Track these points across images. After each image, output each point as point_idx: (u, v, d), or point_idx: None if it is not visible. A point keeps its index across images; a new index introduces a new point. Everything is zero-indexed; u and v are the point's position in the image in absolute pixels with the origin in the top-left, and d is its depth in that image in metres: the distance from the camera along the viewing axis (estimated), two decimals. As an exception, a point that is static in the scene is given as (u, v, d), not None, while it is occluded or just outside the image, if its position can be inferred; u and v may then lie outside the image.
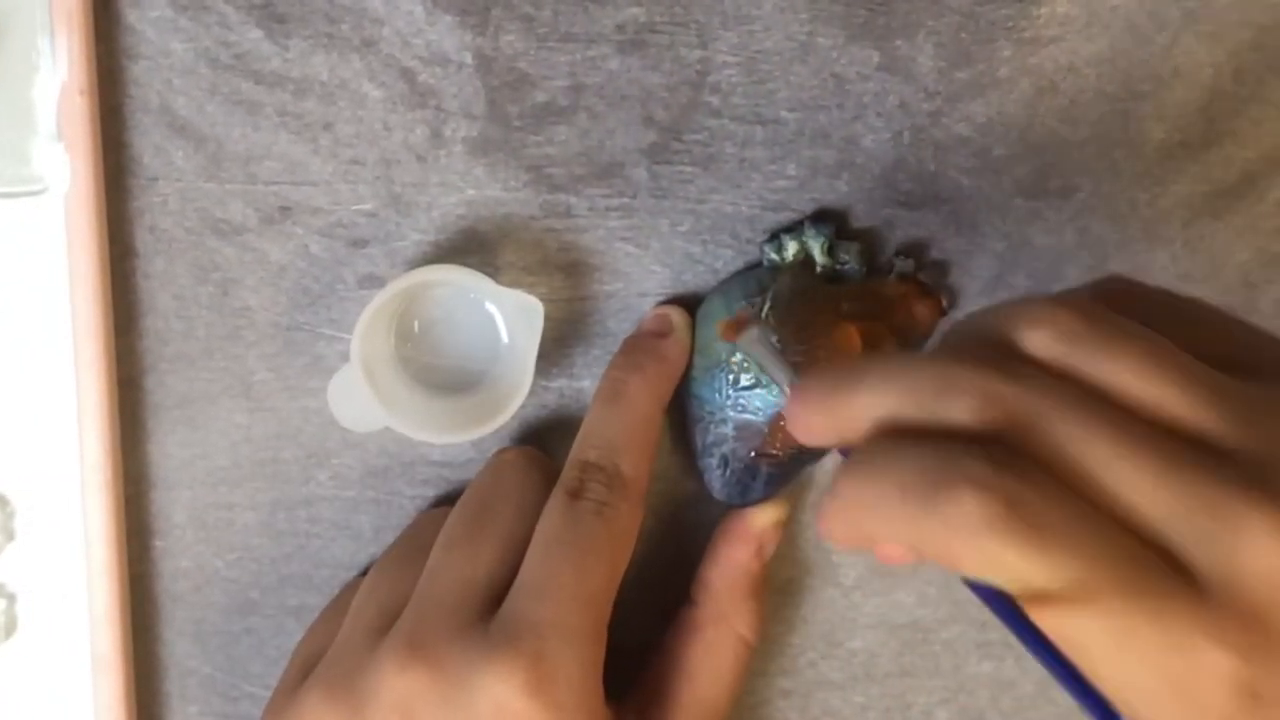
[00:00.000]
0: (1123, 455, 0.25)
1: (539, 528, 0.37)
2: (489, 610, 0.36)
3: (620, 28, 0.41)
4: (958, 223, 0.42)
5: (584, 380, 0.43)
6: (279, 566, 0.43)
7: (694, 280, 0.42)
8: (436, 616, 0.36)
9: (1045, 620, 0.25)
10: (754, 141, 0.42)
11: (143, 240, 0.42)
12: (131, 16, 0.41)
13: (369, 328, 0.39)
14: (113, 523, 0.41)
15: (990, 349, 0.28)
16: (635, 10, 0.41)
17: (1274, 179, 0.42)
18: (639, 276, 0.42)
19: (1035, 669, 0.43)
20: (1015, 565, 0.25)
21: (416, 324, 0.42)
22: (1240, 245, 0.42)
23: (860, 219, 0.42)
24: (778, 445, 0.40)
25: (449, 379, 0.42)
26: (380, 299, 0.39)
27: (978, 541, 0.24)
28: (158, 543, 0.43)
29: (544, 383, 0.43)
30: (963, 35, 0.41)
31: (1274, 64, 0.42)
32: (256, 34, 0.41)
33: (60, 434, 0.41)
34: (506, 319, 0.41)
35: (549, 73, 0.41)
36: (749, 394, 0.40)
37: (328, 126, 0.41)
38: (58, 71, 0.40)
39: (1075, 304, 0.28)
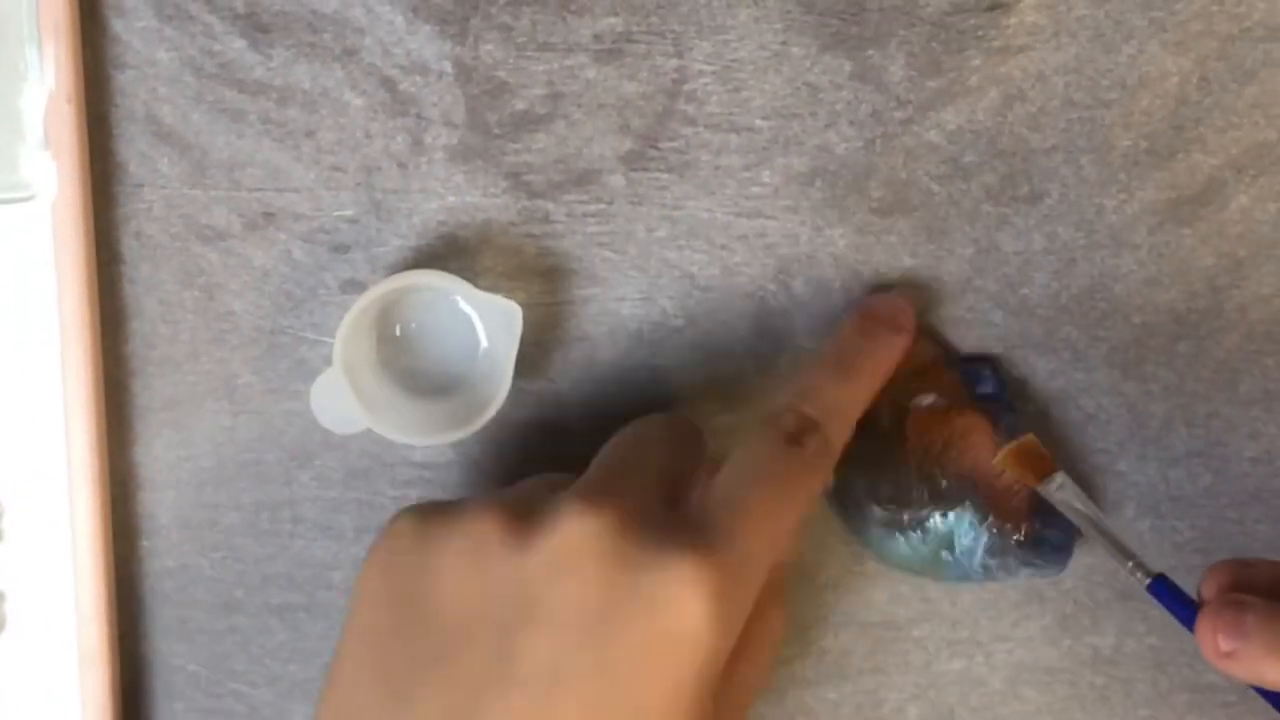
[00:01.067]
0: None
1: (744, 448, 0.36)
2: (679, 504, 0.35)
3: (598, 37, 0.42)
4: (928, 228, 0.43)
5: (562, 383, 0.43)
6: (262, 566, 0.44)
7: (670, 285, 0.43)
8: (628, 478, 0.35)
9: None
10: (729, 149, 0.43)
11: (129, 246, 0.42)
12: (117, 26, 0.42)
13: (351, 332, 0.40)
14: (100, 523, 0.42)
15: None
16: (612, 20, 0.42)
17: (1238, 185, 0.43)
18: (616, 281, 0.43)
19: (1004, 666, 0.44)
20: None
21: (398, 328, 0.43)
22: (1205, 250, 0.43)
23: (834, 225, 0.43)
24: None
25: (429, 382, 0.43)
26: (361, 303, 0.40)
27: None
28: (144, 542, 0.44)
29: (523, 385, 0.43)
30: (933, 45, 0.42)
31: (1238, 72, 0.42)
32: (240, 43, 0.42)
33: (48, 436, 0.42)
34: (486, 323, 0.42)
35: (527, 81, 0.42)
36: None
37: (310, 134, 0.42)
38: (45, 80, 0.41)
39: None
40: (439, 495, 0.43)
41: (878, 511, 0.42)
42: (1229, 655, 0.34)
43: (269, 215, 0.42)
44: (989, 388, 0.42)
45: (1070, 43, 0.42)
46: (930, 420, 0.42)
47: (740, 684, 0.36)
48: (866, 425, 0.40)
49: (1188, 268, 0.43)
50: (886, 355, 0.41)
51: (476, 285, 0.40)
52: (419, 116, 0.42)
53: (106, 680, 0.43)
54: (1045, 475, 0.40)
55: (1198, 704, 0.44)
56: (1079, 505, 0.39)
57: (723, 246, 0.43)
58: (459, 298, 0.42)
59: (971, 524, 0.41)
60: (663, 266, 0.43)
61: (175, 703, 0.44)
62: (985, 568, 0.41)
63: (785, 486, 0.36)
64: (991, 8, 0.42)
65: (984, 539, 0.41)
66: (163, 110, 0.42)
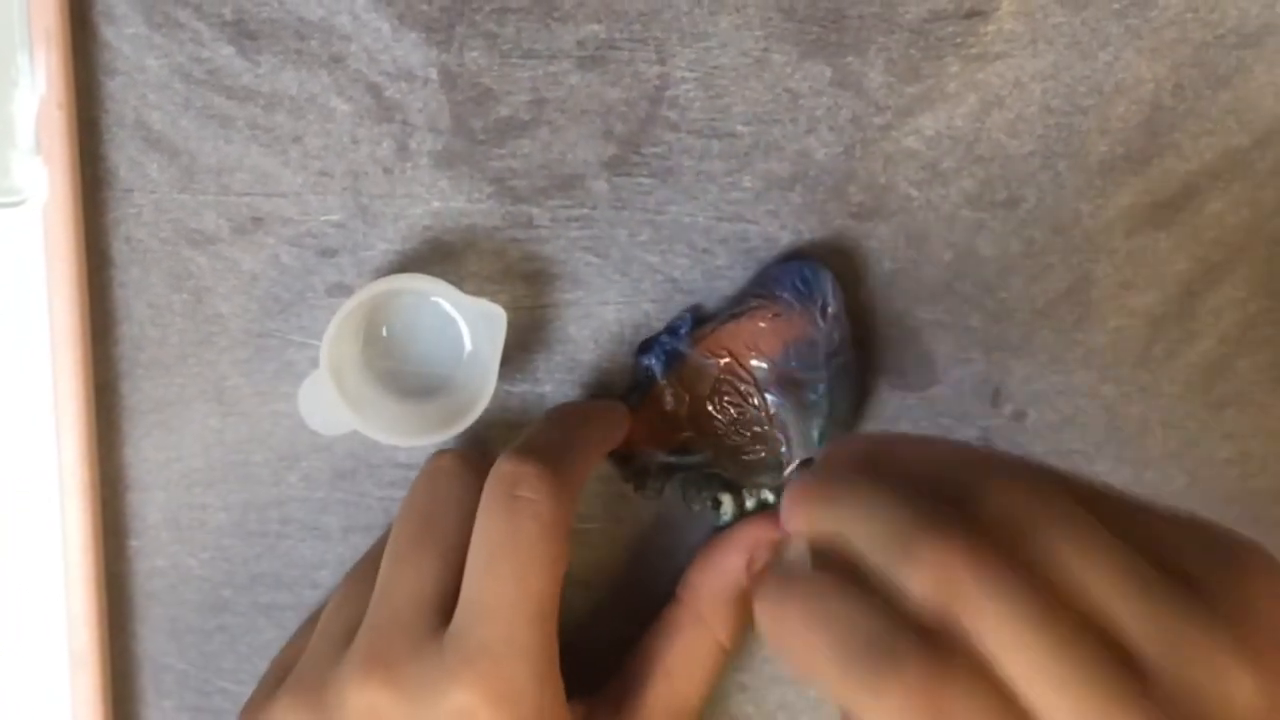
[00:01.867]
0: (1051, 662, 0.26)
1: (476, 532, 0.37)
2: (443, 619, 0.37)
3: (581, 44, 0.43)
4: (907, 233, 0.43)
5: (546, 386, 0.44)
6: (250, 565, 0.44)
7: (652, 289, 0.44)
8: (392, 631, 0.37)
9: None
10: (710, 154, 0.43)
11: (118, 250, 0.43)
12: (108, 33, 0.42)
13: (338, 334, 0.40)
14: (89, 523, 0.43)
15: (951, 498, 0.29)
16: (595, 27, 0.42)
17: (1213, 191, 0.43)
18: (599, 285, 0.44)
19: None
20: None
21: (384, 330, 0.43)
22: (1180, 255, 0.44)
23: (814, 229, 0.43)
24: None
25: (415, 384, 0.43)
26: (348, 306, 0.40)
27: None
28: (133, 543, 0.44)
29: (507, 388, 0.44)
30: (912, 51, 0.43)
31: (1212, 79, 0.43)
32: (228, 50, 0.42)
33: (39, 437, 0.43)
34: (470, 326, 0.43)
35: (511, 88, 0.43)
36: None
37: (297, 139, 0.43)
38: (36, 87, 0.41)
39: (1026, 472, 0.30)
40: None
41: (732, 502, 0.43)
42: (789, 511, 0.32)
43: (257, 220, 0.43)
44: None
45: (1047, 50, 0.43)
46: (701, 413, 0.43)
47: (667, 702, 0.40)
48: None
49: (1163, 272, 0.44)
50: (608, 414, 0.42)
51: (461, 289, 0.41)
52: (405, 122, 0.43)
53: (96, 680, 0.43)
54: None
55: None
56: (792, 430, 0.40)
57: (705, 250, 0.44)
58: (444, 301, 0.43)
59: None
60: (645, 270, 0.44)
61: (164, 701, 0.45)
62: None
63: (518, 554, 0.36)
64: (970, 15, 0.43)
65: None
66: (152, 116, 0.42)
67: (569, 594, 0.43)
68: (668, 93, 0.43)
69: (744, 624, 0.42)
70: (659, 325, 0.44)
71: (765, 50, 0.43)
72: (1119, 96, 0.43)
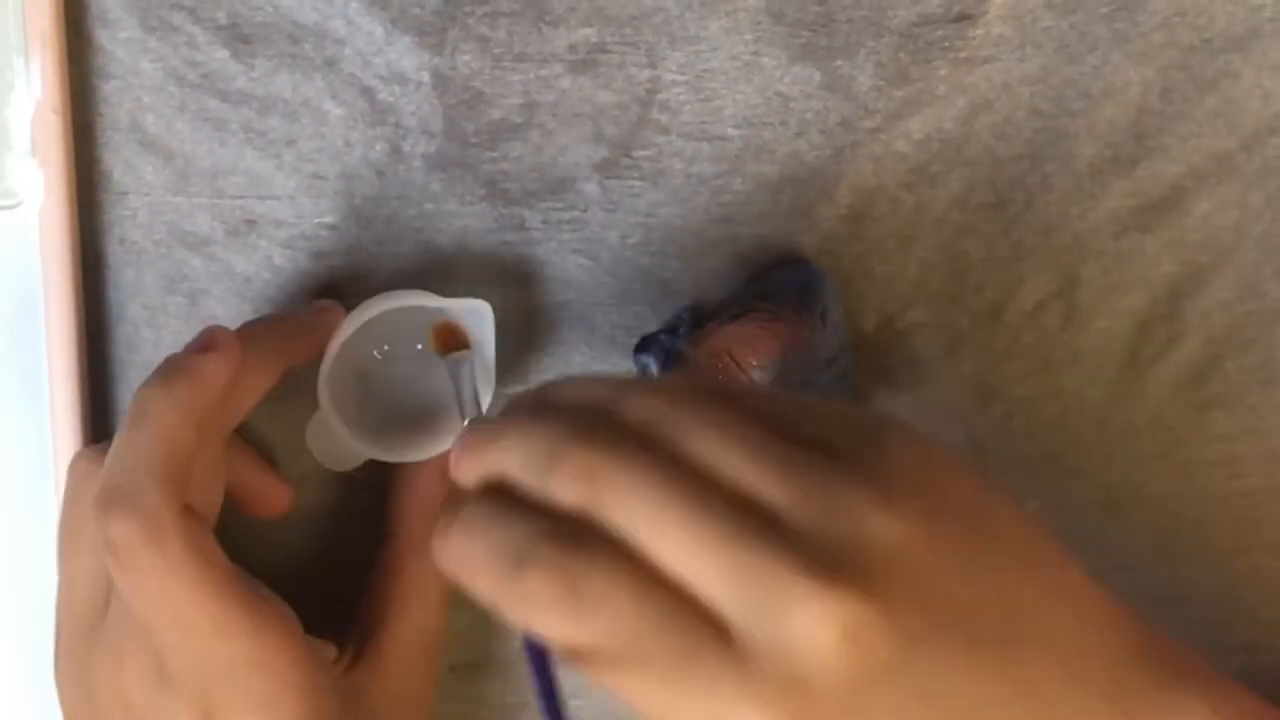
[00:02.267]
0: (684, 528, 0.28)
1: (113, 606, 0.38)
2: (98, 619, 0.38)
3: (572, 48, 0.43)
4: (896, 235, 0.44)
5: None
6: (251, 568, 0.45)
7: (643, 291, 0.44)
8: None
9: (605, 679, 0.28)
10: (701, 157, 0.43)
11: (113, 252, 0.43)
12: (102, 37, 0.42)
13: (332, 371, 0.40)
14: (84, 523, 0.43)
15: (597, 414, 0.30)
16: (587, 31, 0.43)
17: (1200, 193, 0.44)
18: (591, 287, 0.44)
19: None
20: (571, 635, 0.28)
21: (376, 352, 0.43)
22: (1168, 257, 0.44)
23: (804, 232, 0.44)
24: None
25: (415, 395, 0.43)
26: (337, 342, 0.40)
27: (542, 615, 0.28)
28: (128, 542, 0.44)
29: (500, 390, 0.44)
30: (901, 55, 0.43)
31: (1199, 82, 0.43)
32: (223, 54, 0.43)
33: (34, 439, 0.43)
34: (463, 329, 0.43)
35: (504, 91, 0.43)
36: None
37: (291, 143, 0.43)
38: (32, 90, 0.42)
39: (670, 384, 0.32)
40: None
41: None
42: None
43: (251, 222, 0.43)
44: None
45: (1035, 53, 0.43)
46: None
47: (408, 634, 0.42)
48: None
49: (1150, 274, 0.44)
50: (183, 383, 0.37)
51: (453, 291, 0.41)
52: (398, 125, 0.43)
53: (91, 677, 0.43)
54: (455, 350, 0.41)
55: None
56: (464, 387, 0.40)
57: (695, 253, 0.44)
58: (431, 310, 0.42)
59: None
60: (636, 272, 0.44)
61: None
62: None
63: (141, 613, 0.36)
64: (958, 19, 0.43)
65: None
66: (147, 119, 0.43)
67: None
68: (658, 96, 0.43)
69: None
70: (651, 328, 0.44)
71: (755, 54, 0.43)
72: (1107, 100, 0.43)
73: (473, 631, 0.45)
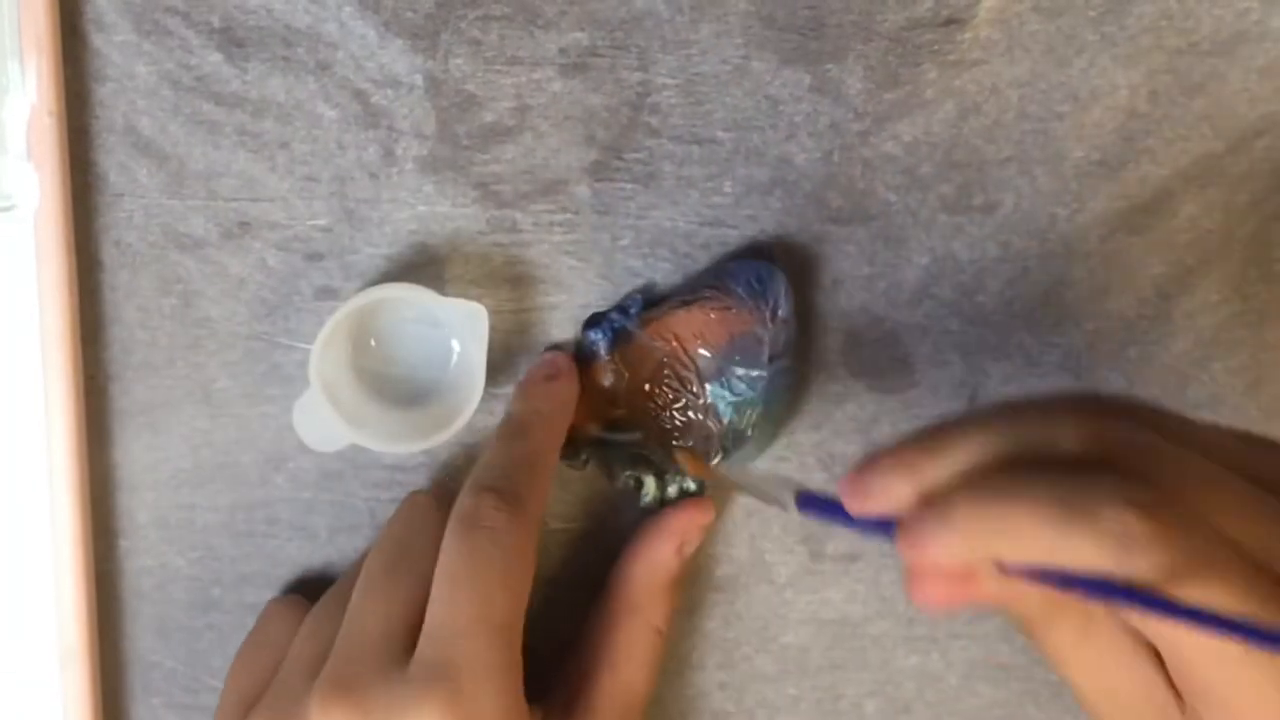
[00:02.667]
0: (1220, 490, 0.29)
1: (440, 561, 0.38)
2: (409, 649, 0.37)
3: (563, 51, 0.43)
4: (885, 237, 0.44)
5: (529, 387, 0.45)
6: (238, 565, 0.45)
7: (634, 292, 0.44)
8: (359, 658, 0.37)
9: (1188, 594, 0.28)
10: (691, 160, 0.44)
11: (108, 254, 0.44)
12: (97, 41, 0.43)
13: (325, 350, 0.41)
14: (79, 523, 0.43)
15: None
16: (578, 35, 0.43)
17: (1187, 195, 0.44)
18: (582, 289, 0.44)
19: (959, 663, 0.45)
20: (1160, 560, 0.28)
21: (371, 341, 0.44)
22: (1155, 259, 0.44)
23: (794, 234, 0.44)
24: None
25: (406, 391, 0.44)
26: (332, 323, 0.40)
27: (1129, 550, 0.28)
28: (122, 542, 0.45)
29: (493, 390, 0.44)
30: (890, 59, 0.43)
31: (1186, 85, 0.44)
32: (216, 57, 0.43)
33: (29, 438, 0.43)
34: (455, 329, 0.43)
35: (496, 94, 0.43)
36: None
37: (284, 145, 0.43)
38: (27, 94, 0.42)
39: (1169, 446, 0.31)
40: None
41: (655, 484, 0.44)
42: (858, 493, 0.32)
43: (245, 224, 0.44)
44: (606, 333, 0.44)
45: (1024, 57, 0.43)
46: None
47: (615, 693, 0.41)
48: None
49: (1137, 275, 0.44)
50: (548, 404, 0.43)
51: (445, 293, 0.42)
52: (390, 128, 0.43)
53: (86, 676, 0.44)
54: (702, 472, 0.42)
55: (1148, 700, 0.45)
56: (737, 477, 0.39)
57: (686, 255, 0.44)
58: (427, 306, 0.43)
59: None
60: (627, 274, 0.44)
61: (153, 698, 0.45)
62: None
63: (479, 577, 0.37)
64: (947, 23, 0.43)
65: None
66: (141, 122, 0.43)
67: (549, 595, 0.44)
68: (649, 99, 0.43)
69: (675, 608, 0.43)
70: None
71: (745, 58, 0.43)
72: (1094, 103, 0.44)
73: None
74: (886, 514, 0.31)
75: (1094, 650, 0.32)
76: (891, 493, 0.31)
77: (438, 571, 0.38)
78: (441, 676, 0.36)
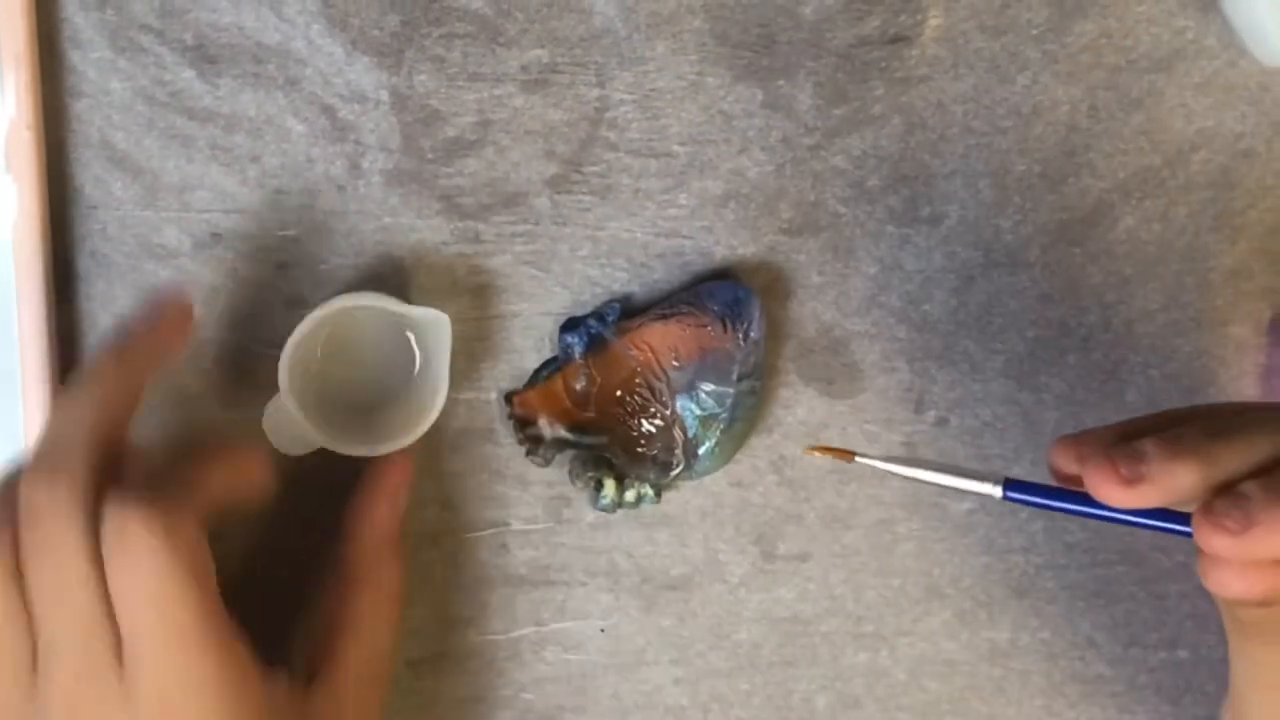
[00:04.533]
0: None
1: (113, 591, 0.36)
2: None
3: (524, 68, 0.45)
4: (835, 248, 0.46)
5: (491, 393, 0.46)
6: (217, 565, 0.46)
7: (592, 300, 0.46)
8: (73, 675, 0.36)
9: None
10: (648, 173, 0.45)
11: (84, 264, 0.45)
12: (74, 58, 0.44)
13: (294, 357, 0.42)
14: (57, 524, 0.45)
15: None
16: (538, 52, 0.45)
17: (1126, 207, 0.46)
18: (542, 297, 0.46)
19: (906, 659, 0.47)
20: None
21: (339, 347, 0.45)
22: (1095, 268, 0.46)
23: (747, 244, 0.46)
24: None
25: (372, 396, 0.45)
26: (300, 331, 0.42)
27: None
28: (99, 542, 0.46)
29: (455, 395, 0.46)
30: (839, 75, 0.45)
31: (1125, 101, 0.45)
32: (189, 74, 0.44)
33: (8, 445, 0.45)
34: (419, 336, 0.45)
35: (459, 110, 0.45)
36: None
37: (255, 159, 0.45)
38: (5, 108, 0.43)
39: None
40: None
41: (614, 488, 0.46)
42: (1134, 480, 0.31)
43: (217, 235, 0.45)
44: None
45: (968, 73, 0.45)
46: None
47: (364, 659, 0.42)
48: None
49: (1078, 284, 0.46)
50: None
51: (410, 301, 0.43)
52: (357, 142, 0.45)
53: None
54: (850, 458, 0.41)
55: (1088, 694, 0.47)
56: (899, 469, 0.38)
57: (642, 265, 0.46)
58: (393, 314, 0.44)
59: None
60: (585, 283, 0.46)
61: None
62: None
63: (153, 589, 0.36)
64: (894, 40, 0.45)
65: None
66: (117, 136, 0.45)
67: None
68: (607, 114, 0.45)
69: (406, 570, 0.44)
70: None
71: (700, 74, 0.45)
72: (1036, 118, 0.45)
73: (429, 627, 0.47)
74: (1165, 504, 0.31)
75: None
76: (1175, 481, 0.30)
77: (115, 596, 0.36)
78: (159, 698, 0.35)
